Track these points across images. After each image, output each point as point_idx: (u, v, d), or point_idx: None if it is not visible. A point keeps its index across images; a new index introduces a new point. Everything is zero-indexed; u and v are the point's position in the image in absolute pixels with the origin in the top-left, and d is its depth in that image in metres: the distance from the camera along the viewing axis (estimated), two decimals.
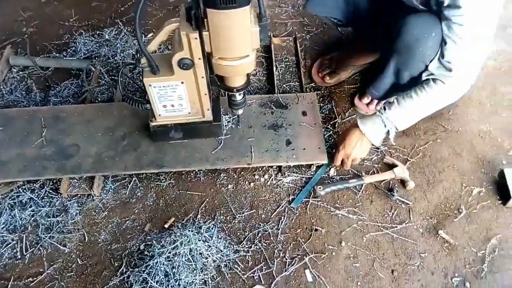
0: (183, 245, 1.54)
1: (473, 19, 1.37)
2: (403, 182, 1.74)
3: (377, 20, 1.76)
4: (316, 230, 1.64)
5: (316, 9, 1.86)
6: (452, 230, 1.62)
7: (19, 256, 1.62)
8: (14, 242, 1.65)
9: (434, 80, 1.53)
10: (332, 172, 1.78)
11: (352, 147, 1.65)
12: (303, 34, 2.31)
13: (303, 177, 1.77)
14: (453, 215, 1.66)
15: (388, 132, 1.63)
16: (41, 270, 1.59)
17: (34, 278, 1.57)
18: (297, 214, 1.68)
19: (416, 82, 1.61)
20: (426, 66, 1.53)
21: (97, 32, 2.30)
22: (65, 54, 2.23)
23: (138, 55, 1.47)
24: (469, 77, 1.52)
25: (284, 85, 2.06)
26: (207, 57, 1.44)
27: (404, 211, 1.68)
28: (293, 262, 1.57)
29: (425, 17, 1.48)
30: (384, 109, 1.61)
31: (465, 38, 1.40)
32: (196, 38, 1.34)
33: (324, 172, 1.77)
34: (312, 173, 1.78)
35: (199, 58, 1.43)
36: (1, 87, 2.10)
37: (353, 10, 1.80)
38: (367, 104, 1.94)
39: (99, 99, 2.02)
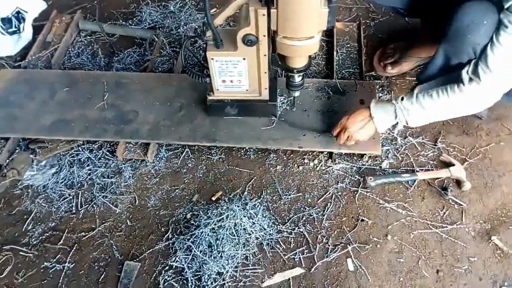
0: (228, 218, 1.57)
1: None
2: (458, 182, 1.67)
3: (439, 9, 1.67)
4: (362, 220, 1.62)
5: None
6: (507, 238, 1.55)
7: (74, 211, 1.72)
8: (71, 197, 1.75)
9: (459, 84, 1.43)
10: (385, 164, 1.74)
11: (354, 122, 1.59)
12: (367, 21, 2.24)
13: (354, 166, 1.75)
14: (510, 223, 1.58)
15: (397, 123, 1.55)
16: (93, 226, 1.68)
17: (86, 233, 1.66)
18: (344, 203, 1.66)
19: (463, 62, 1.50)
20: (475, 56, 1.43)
21: (163, 3, 2.34)
22: (130, 23, 2.29)
23: (204, 28, 1.49)
24: (495, 91, 1.41)
25: (343, 71, 2.02)
26: (272, 35, 1.43)
27: (457, 212, 1.62)
28: (336, 249, 1.56)
29: (479, 5, 1.38)
30: (402, 99, 1.51)
31: (507, 47, 1.30)
32: (264, 15, 1.33)
33: None
34: (364, 163, 1.75)
35: (264, 35, 1.42)
36: (70, 49, 2.19)
37: None
38: None
39: (160, 69, 2.07)
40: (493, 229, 1.58)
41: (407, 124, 1.53)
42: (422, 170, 1.71)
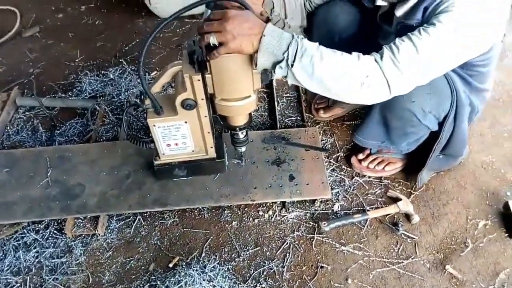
0: (187, 285, 1.53)
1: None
2: (407, 216, 1.73)
3: None
4: (321, 267, 1.62)
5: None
6: (460, 265, 1.60)
7: None
8: (18, 284, 1.64)
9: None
10: (336, 207, 1.78)
11: (239, 24, 1.18)
12: None
13: (307, 213, 1.77)
14: (460, 249, 1.64)
15: (280, 61, 1.21)
16: None
17: None
18: (302, 251, 1.67)
19: (405, 128, 1.62)
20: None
21: (102, 72, 2.35)
22: (70, 94, 2.27)
23: (142, 96, 1.51)
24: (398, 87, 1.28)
25: (286, 120, 2.09)
26: (210, 97, 1.47)
27: (410, 246, 1.66)
28: None
29: None
30: (304, 37, 1.23)
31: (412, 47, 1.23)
32: (199, 80, 1.37)
33: None
34: (316, 209, 1.78)
35: (202, 99, 1.45)
36: (8, 128, 2.13)
37: None
38: (360, 161, 1.88)
39: (104, 138, 2.05)
40: (446, 258, 1.63)
41: (289, 67, 1.21)
42: (372, 208, 1.76)
